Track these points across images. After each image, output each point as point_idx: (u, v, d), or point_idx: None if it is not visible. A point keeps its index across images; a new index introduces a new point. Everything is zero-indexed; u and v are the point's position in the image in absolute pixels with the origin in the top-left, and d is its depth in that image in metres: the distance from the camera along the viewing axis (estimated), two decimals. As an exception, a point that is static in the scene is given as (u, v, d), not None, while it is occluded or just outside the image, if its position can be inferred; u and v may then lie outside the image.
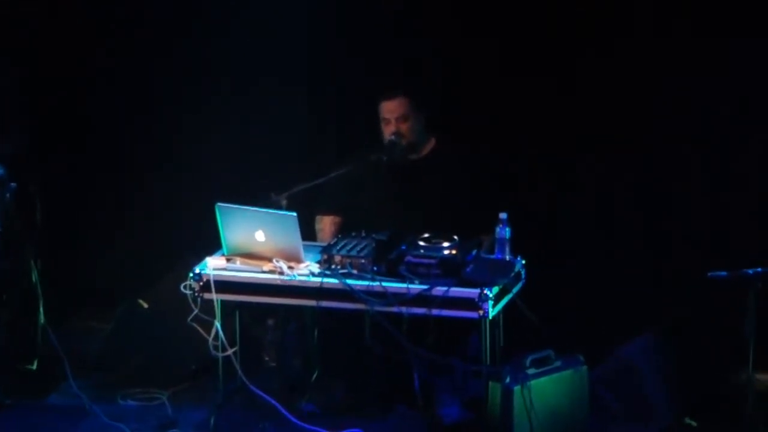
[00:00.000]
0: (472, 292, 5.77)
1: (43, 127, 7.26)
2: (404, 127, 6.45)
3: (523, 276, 6.11)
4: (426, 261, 5.88)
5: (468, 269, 5.89)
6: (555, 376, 6.00)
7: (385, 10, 6.98)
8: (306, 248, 6.03)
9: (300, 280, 5.94)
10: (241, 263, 6.05)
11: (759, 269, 5.47)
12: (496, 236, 6.03)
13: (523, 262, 6.12)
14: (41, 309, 6.55)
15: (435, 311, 5.79)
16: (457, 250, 5.92)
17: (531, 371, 5.95)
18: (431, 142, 6.55)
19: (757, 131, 6.62)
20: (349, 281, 5.87)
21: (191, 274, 6.02)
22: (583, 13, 6.74)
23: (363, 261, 5.92)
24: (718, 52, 6.59)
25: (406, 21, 6.97)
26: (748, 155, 6.67)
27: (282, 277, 5.95)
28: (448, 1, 6.96)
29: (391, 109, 6.46)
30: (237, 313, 6.22)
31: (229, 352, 6.05)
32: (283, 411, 6.05)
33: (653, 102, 6.76)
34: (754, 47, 6.53)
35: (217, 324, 6.01)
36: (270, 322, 6.75)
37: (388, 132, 6.46)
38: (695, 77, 6.66)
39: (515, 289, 6.03)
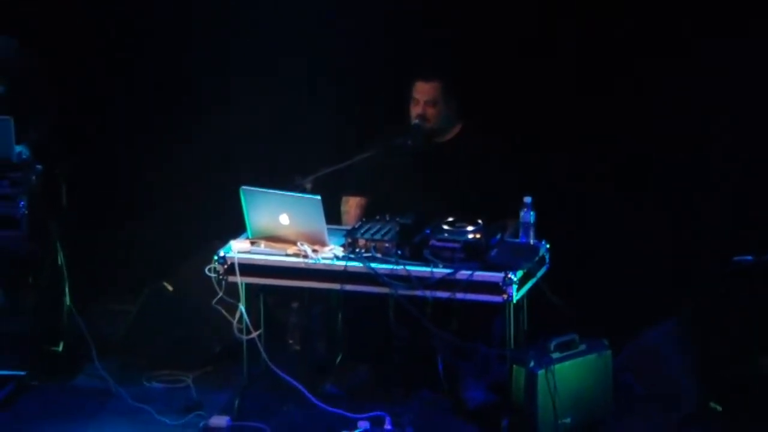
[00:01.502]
0: (497, 276, 5.77)
1: (69, 111, 7.27)
2: (431, 112, 6.43)
3: (547, 260, 6.10)
4: (450, 245, 5.88)
5: (492, 253, 5.89)
6: (579, 360, 6.00)
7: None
8: (330, 232, 6.04)
9: (324, 264, 5.94)
10: (266, 246, 6.06)
11: (784, 254, 5.45)
12: (521, 220, 6.02)
13: (548, 246, 6.11)
14: (67, 291, 6.58)
15: (459, 295, 5.79)
16: (481, 234, 5.91)
17: (555, 355, 5.94)
18: (458, 127, 6.53)
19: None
20: (373, 265, 5.87)
21: (216, 257, 6.04)
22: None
23: (387, 245, 5.92)
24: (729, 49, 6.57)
25: (438, 7, 6.95)
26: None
27: (306, 260, 5.96)
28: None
29: (423, 91, 6.43)
30: (261, 296, 6.24)
31: (254, 335, 6.07)
32: (307, 394, 6.06)
33: (683, 91, 6.72)
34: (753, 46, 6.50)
35: (242, 307, 6.02)
36: (294, 305, 6.76)
37: (415, 112, 6.44)
38: (715, 74, 6.63)
39: (539, 273, 6.02)
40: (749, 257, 5.50)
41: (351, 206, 6.57)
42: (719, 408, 6.14)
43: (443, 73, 6.46)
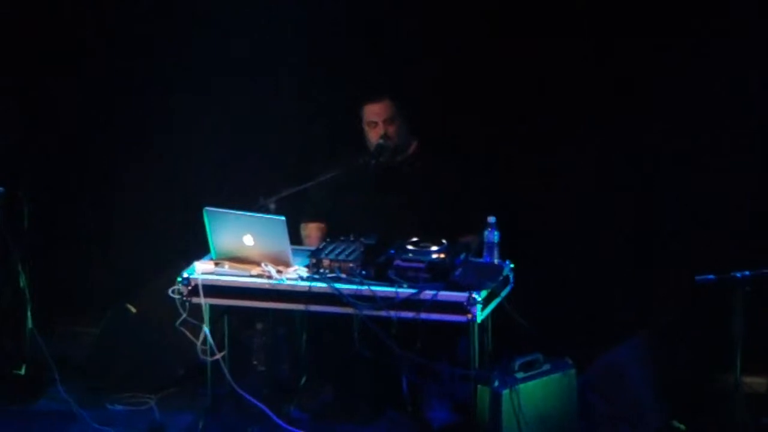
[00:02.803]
0: (461, 295, 5.78)
1: (31, 133, 7.24)
2: (392, 130, 6.47)
3: (511, 280, 6.12)
4: (415, 265, 5.89)
5: (457, 273, 5.90)
6: (544, 379, 6.01)
7: (373, 13, 6.98)
8: (294, 252, 6.03)
9: (289, 284, 5.93)
10: (230, 267, 6.05)
11: (747, 272, 5.48)
12: (485, 240, 6.04)
13: (512, 265, 6.12)
14: (29, 314, 6.54)
15: (423, 315, 5.80)
16: (445, 254, 5.93)
17: (519, 375, 5.95)
18: (414, 144, 6.57)
19: (741, 135, 6.64)
20: (338, 285, 5.87)
21: (179, 279, 6.02)
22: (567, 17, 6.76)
23: (351, 265, 5.92)
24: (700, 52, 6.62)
25: (391, 24, 6.97)
26: (736, 159, 6.68)
27: (270, 281, 5.95)
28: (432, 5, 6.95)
29: (376, 112, 6.47)
30: (225, 317, 6.21)
31: (218, 356, 6.05)
32: (272, 415, 6.04)
33: (639, 104, 6.76)
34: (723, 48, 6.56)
35: (206, 328, 6.00)
36: (259, 326, 6.73)
37: (375, 135, 6.47)
38: (681, 77, 6.67)
39: (504, 293, 6.03)
40: (711, 276, 5.52)
41: (311, 230, 6.58)
42: (682, 426, 6.16)
43: (390, 91, 6.50)
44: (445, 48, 6.90)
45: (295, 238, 6.21)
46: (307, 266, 6.00)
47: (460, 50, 6.88)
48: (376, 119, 6.47)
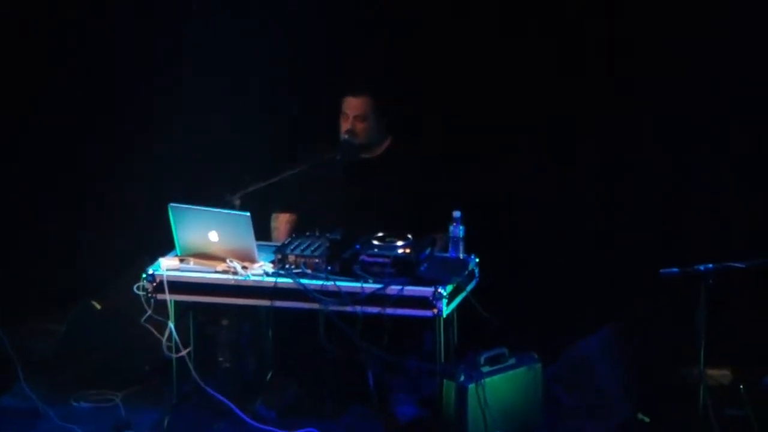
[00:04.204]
0: (426, 290, 5.79)
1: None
2: (360, 127, 6.44)
3: (476, 274, 6.13)
4: (380, 260, 5.89)
5: (422, 268, 5.90)
6: (509, 373, 6.03)
7: (347, 10, 6.98)
8: (260, 248, 6.02)
9: (254, 280, 5.93)
10: (195, 263, 6.03)
11: (710, 265, 5.51)
12: (450, 234, 6.05)
13: (477, 260, 6.13)
14: (-7, 310, 6.51)
15: (389, 310, 5.80)
16: (411, 249, 5.93)
17: (485, 369, 5.97)
18: (387, 141, 6.55)
19: (703, 129, 6.68)
20: (303, 281, 5.86)
21: (144, 275, 6.00)
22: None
23: (317, 260, 5.92)
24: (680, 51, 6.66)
25: (369, 22, 6.97)
26: (699, 152, 6.72)
27: (236, 277, 5.94)
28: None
29: (352, 106, 6.44)
30: (191, 313, 6.21)
31: (183, 352, 6.04)
32: (238, 411, 6.04)
33: (609, 100, 6.78)
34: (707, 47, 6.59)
35: (171, 325, 5.99)
36: (224, 322, 6.72)
37: (344, 127, 6.45)
38: (655, 76, 6.70)
39: (469, 288, 6.05)
40: (676, 269, 5.55)
41: (281, 222, 6.56)
42: (647, 419, 6.19)
43: (373, 89, 6.48)
44: (424, 47, 6.91)
45: (261, 234, 6.20)
46: (272, 262, 5.99)
47: (440, 48, 6.90)
48: (349, 112, 6.44)
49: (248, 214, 5.92)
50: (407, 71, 6.92)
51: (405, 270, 5.87)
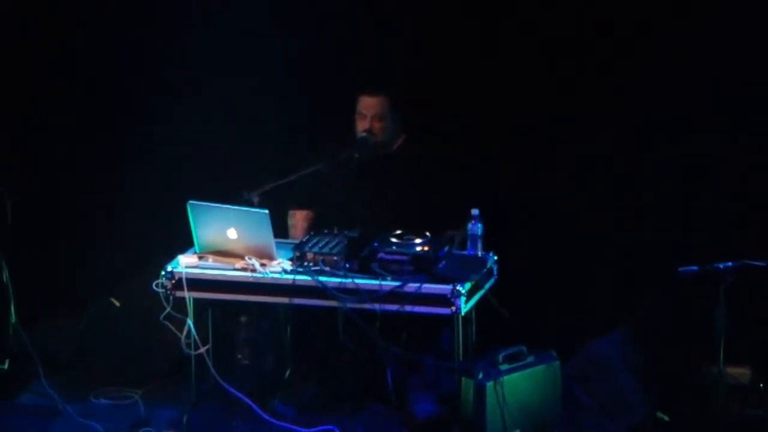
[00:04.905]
0: (445, 288, 5.79)
1: (14, 128, 7.22)
2: (378, 126, 6.46)
3: (495, 272, 6.13)
4: (398, 257, 5.89)
5: (440, 265, 5.90)
6: (527, 371, 6.02)
7: (361, 11, 6.99)
8: (278, 245, 6.03)
9: (272, 278, 5.93)
10: (214, 261, 6.04)
11: (729, 263, 5.50)
12: (468, 232, 6.04)
13: (495, 258, 6.13)
14: (12, 308, 6.52)
15: (407, 308, 5.80)
16: (429, 247, 5.93)
17: (504, 367, 5.96)
18: (401, 138, 6.56)
19: (719, 129, 6.66)
20: (322, 278, 5.86)
21: (163, 272, 6.01)
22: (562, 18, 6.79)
23: (335, 258, 5.92)
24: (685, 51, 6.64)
25: (383, 22, 6.97)
26: (718, 151, 6.70)
27: (254, 274, 5.95)
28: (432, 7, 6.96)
29: (369, 105, 6.46)
30: (209, 311, 6.21)
31: (202, 350, 6.04)
32: (256, 409, 6.04)
33: (622, 99, 6.77)
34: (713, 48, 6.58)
35: (190, 322, 6.00)
36: (243, 319, 6.73)
37: (361, 127, 6.46)
38: (667, 77, 6.69)
39: (487, 285, 6.04)
40: (695, 267, 5.54)
41: (298, 219, 6.57)
42: (666, 418, 6.18)
43: (389, 88, 6.49)
44: (440, 47, 6.91)
45: (279, 231, 6.21)
46: (290, 259, 6.00)
47: (455, 50, 6.90)
48: (366, 112, 6.46)
49: (267, 211, 5.93)
50: (422, 70, 6.92)
51: (423, 267, 5.86)
